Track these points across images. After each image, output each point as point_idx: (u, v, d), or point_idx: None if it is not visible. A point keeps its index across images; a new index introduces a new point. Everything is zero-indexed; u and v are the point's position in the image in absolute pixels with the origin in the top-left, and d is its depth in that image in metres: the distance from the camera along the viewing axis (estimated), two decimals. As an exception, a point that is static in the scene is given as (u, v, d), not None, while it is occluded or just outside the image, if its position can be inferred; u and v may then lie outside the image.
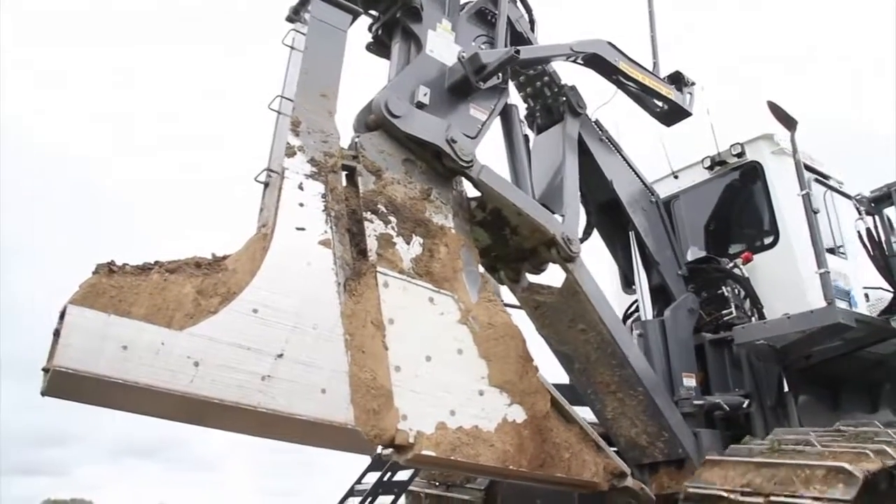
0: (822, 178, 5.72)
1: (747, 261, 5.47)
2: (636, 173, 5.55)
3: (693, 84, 5.66)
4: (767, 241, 5.55)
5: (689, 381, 4.99)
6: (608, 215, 5.49)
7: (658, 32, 5.92)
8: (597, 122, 5.41)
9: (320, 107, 3.71)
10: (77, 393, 2.71)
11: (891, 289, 5.31)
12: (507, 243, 4.52)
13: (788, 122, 4.51)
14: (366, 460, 5.42)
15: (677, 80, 5.60)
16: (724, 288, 5.43)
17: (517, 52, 4.15)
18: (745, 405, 4.91)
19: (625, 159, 5.50)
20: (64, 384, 2.63)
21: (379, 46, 4.51)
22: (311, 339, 3.21)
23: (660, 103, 5.55)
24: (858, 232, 5.22)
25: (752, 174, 5.70)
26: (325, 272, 3.38)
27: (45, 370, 2.64)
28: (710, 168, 5.91)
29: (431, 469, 3.94)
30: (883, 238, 5.02)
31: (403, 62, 4.30)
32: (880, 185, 5.22)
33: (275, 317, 3.12)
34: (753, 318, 5.19)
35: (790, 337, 4.61)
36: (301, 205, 3.43)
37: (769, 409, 4.96)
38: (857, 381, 5.58)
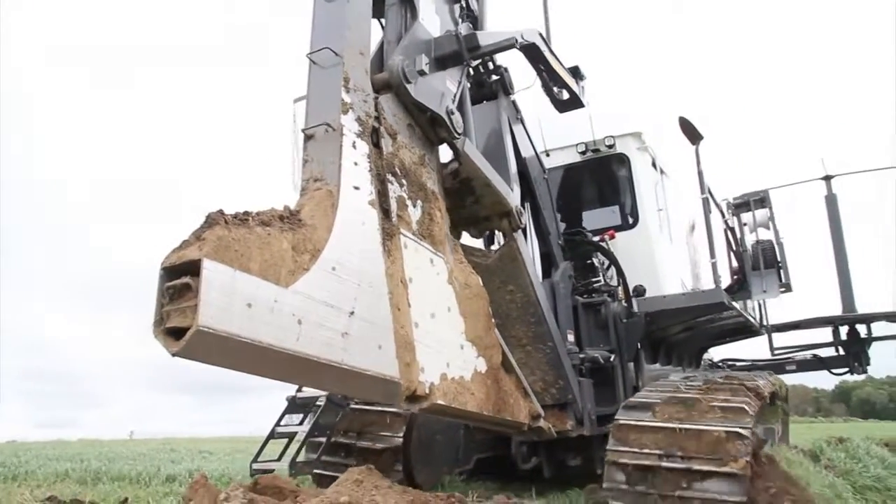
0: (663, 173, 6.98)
1: (612, 237, 6.52)
2: (535, 150, 6.24)
3: (585, 79, 6.46)
4: (628, 222, 6.67)
5: (570, 338, 5.91)
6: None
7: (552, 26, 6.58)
8: (513, 103, 5.96)
9: (360, 64, 3.73)
10: (208, 353, 2.59)
11: None
12: (462, 210, 4.89)
13: (693, 137, 5.51)
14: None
15: (576, 73, 6.34)
16: (593, 259, 6.41)
17: (516, 41, 4.51)
18: (611, 359, 5.97)
19: (528, 137, 6.15)
20: (201, 344, 2.48)
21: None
22: (370, 297, 3.36)
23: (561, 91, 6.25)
24: (725, 230, 6.56)
25: (619, 164, 6.73)
26: (374, 232, 3.52)
27: (173, 329, 2.50)
28: (583, 153, 6.82)
29: (435, 414, 4.27)
30: (738, 235, 6.41)
31: (400, 25, 4.39)
32: (742, 194, 6.61)
33: (346, 275, 3.22)
34: (619, 288, 6.26)
35: (669, 309, 5.74)
36: (355, 164, 3.50)
37: (627, 363, 6.10)
38: (668, 341, 7.05)
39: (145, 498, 6.82)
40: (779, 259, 7.02)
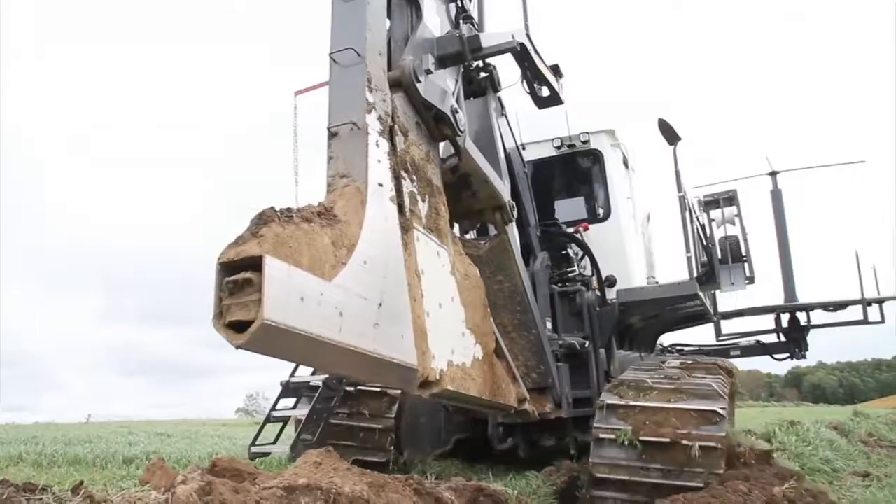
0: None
1: (585, 229, 6.85)
2: (517, 144, 6.49)
3: (564, 76, 6.74)
4: (601, 214, 7.01)
5: (549, 325, 6.22)
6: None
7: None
8: (499, 98, 6.19)
9: (379, 64, 3.88)
10: (269, 346, 2.73)
11: None
12: (458, 204, 5.11)
13: (671, 138, 5.85)
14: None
15: (556, 71, 6.61)
16: (568, 249, 6.73)
17: (519, 45, 4.72)
18: (585, 345, 6.32)
19: (511, 132, 6.39)
20: (264, 337, 2.61)
21: None
22: (394, 289, 3.55)
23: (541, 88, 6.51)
24: (700, 226, 6.95)
25: (593, 159, 7.05)
26: (396, 227, 3.70)
27: (235, 323, 2.63)
28: (559, 148, 7.12)
29: (443, 399, 4.48)
30: (707, 231, 6.82)
31: (406, 25, 4.54)
32: (711, 192, 7.02)
33: (375, 268, 3.40)
34: (593, 277, 6.60)
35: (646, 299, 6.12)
36: (379, 161, 3.66)
37: (599, 349, 6.46)
38: (632, 328, 7.46)
39: (101, 481, 6.79)
40: (744, 253, 7.54)
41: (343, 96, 3.76)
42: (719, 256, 7.23)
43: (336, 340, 3.00)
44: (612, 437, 4.82)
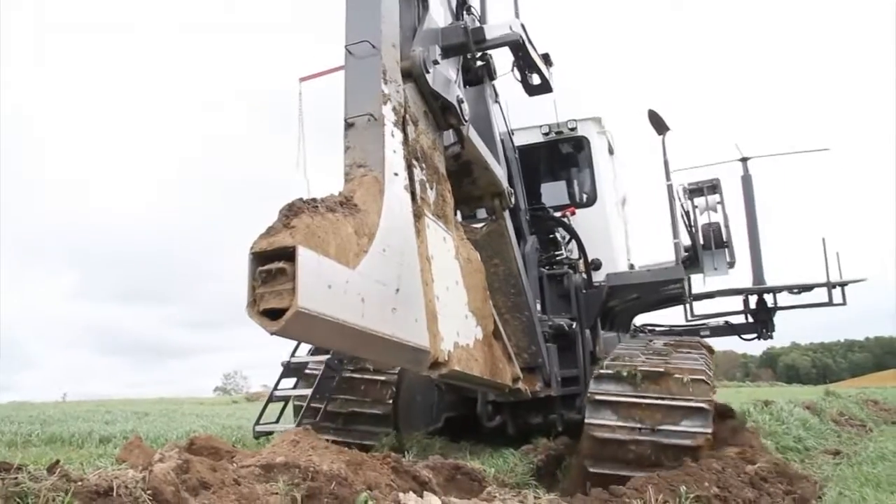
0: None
1: (573, 214, 7.04)
2: (508, 130, 6.63)
3: (553, 65, 6.87)
4: (587, 200, 7.20)
5: (538, 306, 6.42)
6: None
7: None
8: (493, 86, 6.31)
9: (393, 56, 3.98)
10: (302, 332, 2.86)
11: None
12: (458, 190, 5.24)
13: (660, 128, 6.04)
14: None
15: (546, 59, 6.73)
16: (555, 233, 6.92)
17: (520, 37, 4.84)
18: (573, 326, 6.54)
19: (504, 118, 6.53)
20: (298, 324, 2.73)
21: None
22: (409, 275, 3.69)
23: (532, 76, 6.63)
24: (684, 212, 7.19)
25: (580, 146, 7.23)
26: (409, 215, 3.84)
27: (269, 310, 2.74)
28: (547, 134, 7.28)
29: (450, 379, 4.63)
30: (692, 216, 7.05)
31: (414, 16, 4.62)
32: (695, 181, 7.24)
33: (392, 255, 3.53)
34: (580, 261, 6.81)
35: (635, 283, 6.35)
36: (394, 151, 3.78)
37: (585, 330, 6.68)
38: (613, 309, 7.71)
39: (78, 460, 6.83)
40: (725, 239, 7.82)
41: (359, 88, 3.86)
42: (702, 242, 7.51)
43: (359, 325, 3.14)
44: (611, 371, 5.10)
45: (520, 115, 7.49)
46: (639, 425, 5.00)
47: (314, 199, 3.19)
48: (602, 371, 5.42)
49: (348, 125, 3.80)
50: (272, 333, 2.79)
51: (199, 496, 3.33)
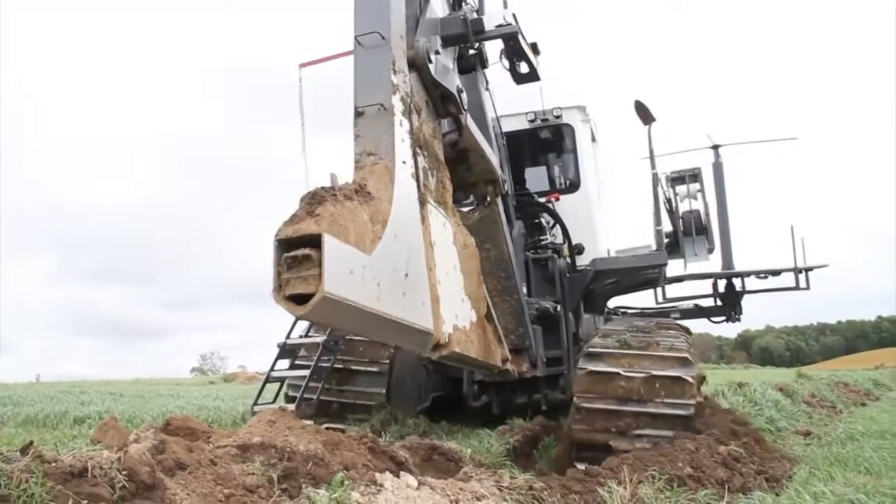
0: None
1: (557, 199, 7.23)
2: (497, 117, 6.76)
3: (541, 54, 7.01)
4: (571, 186, 7.39)
5: (524, 290, 6.61)
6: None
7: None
8: (484, 74, 6.42)
9: (400, 47, 4.09)
10: (327, 315, 2.99)
11: None
12: (454, 177, 5.37)
13: (646, 118, 6.22)
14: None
15: (534, 49, 6.86)
16: (540, 218, 7.10)
17: (517, 29, 4.97)
18: (557, 309, 6.75)
19: (493, 106, 6.66)
20: (323, 308, 2.86)
21: None
22: (416, 260, 3.83)
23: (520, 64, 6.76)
24: (666, 200, 7.41)
25: (564, 134, 7.40)
26: (415, 202, 3.97)
27: (295, 295, 2.86)
28: (532, 121, 7.43)
29: (450, 361, 4.78)
30: (673, 204, 7.28)
31: (416, 6, 4.71)
32: (677, 169, 7.47)
33: (402, 241, 3.67)
34: (564, 246, 7.00)
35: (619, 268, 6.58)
36: (402, 140, 3.90)
37: (569, 312, 6.90)
38: (593, 292, 7.95)
39: (52, 441, 6.77)
40: (705, 226, 8.10)
41: (369, 77, 3.96)
42: (682, 229, 7.79)
43: (375, 309, 3.29)
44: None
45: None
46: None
47: (331, 187, 3.30)
48: (597, 340, 5.67)
49: (358, 114, 3.89)
50: (298, 317, 2.92)
51: (175, 477, 3.34)
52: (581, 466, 4.76)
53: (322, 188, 3.12)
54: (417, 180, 4.19)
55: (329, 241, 2.88)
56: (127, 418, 9.67)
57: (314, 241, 2.86)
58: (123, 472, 2.89)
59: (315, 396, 5.72)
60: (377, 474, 3.90)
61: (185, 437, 4.46)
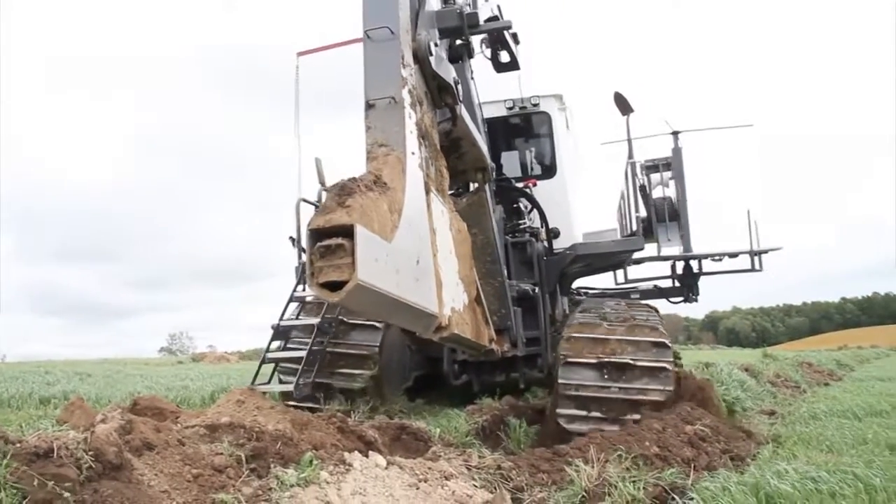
0: None
1: (534, 185, 7.49)
2: (480, 105, 6.97)
3: (520, 43, 7.22)
4: (547, 172, 7.66)
5: (504, 272, 6.88)
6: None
7: None
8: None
9: (407, 42, 4.25)
10: (358, 302, 3.16)
11: None
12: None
13: (624, 109, 6.49)
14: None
15: (515, 38, 7.07)
16: (519, 203, 7.36)
17: (510, 23, 5.17)
18: (535, 291, 7.04)
19: (476, 94, 6.85)
20: (356, 295, 3.01)
21: None
22: (425, 247, 4.04)
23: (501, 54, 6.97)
24: (641, 186, 7.71)
25: (542, 121, 7.65)
26: (422, 191, 4.16)
27: (328, 283, 3.03)
28: (511, 108, 7.66)
29: (449, 342, 4.97)
30: (648, 191, 7.59)
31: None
32: (651, 158, 7.78)
33: (414, 229, 3.86)
34: (542, 230, 7.28)
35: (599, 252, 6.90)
36: (411, 132, 4.08)
37: (546, 294, 7.21)
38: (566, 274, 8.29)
39: (17, 422, 6.70)
40: (678, 212, 8.48)
41: (380, 71, 4.11)
42: (656, 215, 8.15)
43: (395, 294, 3.49)
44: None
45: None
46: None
47: (354, 178, 3.48)
48: (579, 312, 5.98)
49: (369, 106, 4.05)
50: (333, 303, 3.10)
51: (142, 457, 3.35)
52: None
53: (349, 180, 3.28)
54: (423, 170, 4.38)
55: (361, 232, 3.05)
56: (93, 399, 9.54)
57: (346, 232, 3.02)
58: (90, 453, 2.87)
59: (311, 379, 5.89)
60: (346, 454, 3.99)
61: (153, 418, 4.49)
